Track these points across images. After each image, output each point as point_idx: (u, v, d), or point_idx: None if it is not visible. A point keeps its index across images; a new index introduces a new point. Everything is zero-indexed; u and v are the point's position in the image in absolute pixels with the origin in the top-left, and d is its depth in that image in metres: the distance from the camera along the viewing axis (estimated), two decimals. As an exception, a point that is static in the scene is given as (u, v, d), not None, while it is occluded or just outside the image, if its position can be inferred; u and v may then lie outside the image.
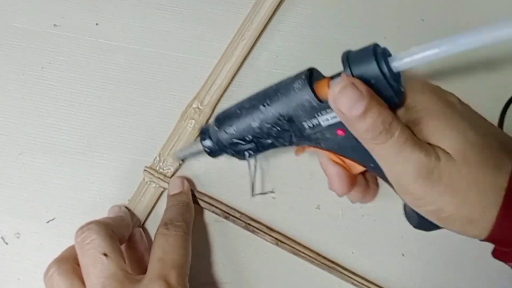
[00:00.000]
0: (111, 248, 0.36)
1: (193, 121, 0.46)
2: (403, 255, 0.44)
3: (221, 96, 0.47)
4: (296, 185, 0.46)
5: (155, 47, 0.48)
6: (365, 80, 0.32)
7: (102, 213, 0.43)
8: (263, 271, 0.44)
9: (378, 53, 0.32)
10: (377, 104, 0.32)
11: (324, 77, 0.35)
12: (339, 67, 0.48)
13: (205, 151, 0.40)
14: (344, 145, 0.36)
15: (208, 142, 0.40)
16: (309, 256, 0.43)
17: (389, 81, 0.32)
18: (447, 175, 0.32)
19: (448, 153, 0.32)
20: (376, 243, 0.45)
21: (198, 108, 0.46)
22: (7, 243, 0.43)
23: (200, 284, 0.43)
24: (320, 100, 0.34)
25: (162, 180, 0.44)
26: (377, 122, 0.31)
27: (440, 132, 0.32)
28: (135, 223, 0.44)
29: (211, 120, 0.42)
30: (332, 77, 0.34)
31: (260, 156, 0.45)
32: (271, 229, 0.44)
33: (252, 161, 0.42)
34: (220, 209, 0.44)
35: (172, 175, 0.45)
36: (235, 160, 0.42)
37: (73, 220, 0.43)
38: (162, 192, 0.45)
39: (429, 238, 0.45)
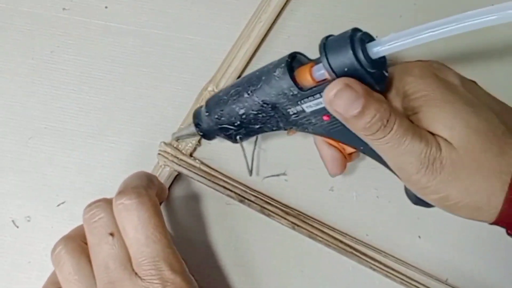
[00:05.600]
0: (117, 228, 0.36)
1: None
2: (419, 237, 0.43)
3: (237, 79, 0.46)
4: (309, 167, 0.45)
5: (165, 30, 0.47)
6: (341, 69, 0.31)
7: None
8: (276, 253, 0.43)
9: (356, 40, 0.31)
10: (374, 102, 0.31)
11: (305, 62, 0.35)
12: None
13: (199, 134, 0.40)
14: (331, 130, 0.35)
15: (200, 126, 0.40)
16: (326, 240, 0.42)
17: (366, 68, 0.31)
18: (449, 164, 0.31)
19: (450, 142, 0.31)
20: (392, 225, 0.43)
21: (213, 91, 0.45)
22: (17, 227, 0.43)
23: (212, 268, 0.43)
24: (301, 88, 0.33)
25: (177, 163, 0.44)
26: (375, 120, 0.31)
27: (441, 120, 0.32)
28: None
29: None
30: (313, 62, 0.34)
31: (270, 137, 0.45)
32: (287, 213, 0.43)
33: (248, 143, 0.41)
34: (235, 193, 0.43)
35: (186, 158, 0.44)
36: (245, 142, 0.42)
37: (84, 204, 0.42)
38: (177, 175, 0.44)
39: (446, 220, 0.43)
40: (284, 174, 0.44)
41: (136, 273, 0.35)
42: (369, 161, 0.44)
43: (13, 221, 0.43)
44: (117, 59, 0.47)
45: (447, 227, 0.43)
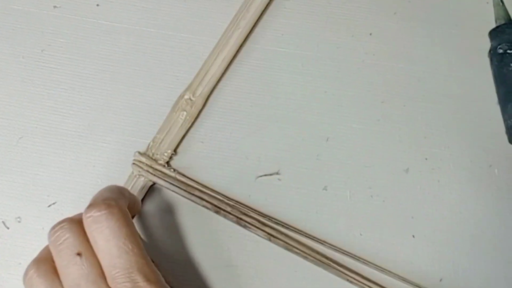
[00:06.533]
0: (84, 246, 0.35)
1: (185, 112, 0.44)
2: (413, 236, 0.43)
3: (215, 86, 0.46)
4: (303, 166, 0.44)
5: (157, 28, 0.47)
6: None
7: (104, 197, 0.42)
8: (254, 265, 0.42)
9: None
10: None
11: None
12: (347, 44, 0.47)
13: None
14: None
15: None
16: (302, 251, 0.42)
17: None
18: None
19: None
20: (385, 224, 0.43)
21: (190, 99, 0.45)
22: (8, 228, 0.43)
23: (190, 280, 0.42)
24: None
25: (152, 173, 0.43)
26: None
27: None
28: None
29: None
30: None
31: (264, 137, 0.45)
32: (263, 224, 0.42)
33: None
34: (211, 203, 0.42)
35: (162, 168, 0.44)
36: (232, 146, 0.42)
37: (75, 204, 0.43)
38: (151, 186, 0.43)
39: (440, 219, 0.43)
40: (277, 173, 0.44)
41: None
42: (363, 160, 0.44)
43: (3, 222, 0.43)
44: (108, 57, 0.46)
45: (441, 226, 0.43)
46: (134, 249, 0.34)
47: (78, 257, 0.34)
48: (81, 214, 0.38)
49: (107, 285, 0.34)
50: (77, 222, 0.36)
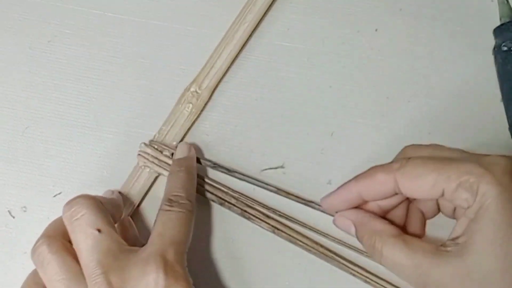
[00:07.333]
0: (103, 222, 0.35)
1: (191, 105, 0.45)
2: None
3: (220, 80, 0.46)
4: (307, 159, 0.45)
5: (164, 21, 0.47)
6: None
7: (109, 187, 0.43)
8: (256, 257, 0.43)
9: None
10: None
11: None
12: (353, 39, 0.47)
13: None
14: None
15: None
16: (306, 244, 0.42)
17: None
18: None
19: None
20: (389, 218, 0.43)
21: (196, 92, 0.45)
22: (13, 217, 0.43)
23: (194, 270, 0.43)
24: None
25: (157, 164, 0.43)
26: None
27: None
28: (128, 207, 0.42)
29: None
30: None
31: (269, 130, 0.45)
32: (268, 216, 0.43)
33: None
34: (216, 195, 0.43)
35: (167, 159, 0.44)
36: (236, 139, 0.43)
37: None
38: (157, 177, 0.44)
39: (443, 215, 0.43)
40: (282, 167, 0.44)
41: (130, 259, 0.34)
42: (367, 154, 0.45)
43: (9, 211, 0.43)
44: (114, 49, 0.46)
45: (440, 221, 0.43)
46: (185, 237, 0.37)
47: (97, 232, 0.34)
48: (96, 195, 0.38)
49: (127, 258, 0.34)
50: (92, 199, 0.36)
